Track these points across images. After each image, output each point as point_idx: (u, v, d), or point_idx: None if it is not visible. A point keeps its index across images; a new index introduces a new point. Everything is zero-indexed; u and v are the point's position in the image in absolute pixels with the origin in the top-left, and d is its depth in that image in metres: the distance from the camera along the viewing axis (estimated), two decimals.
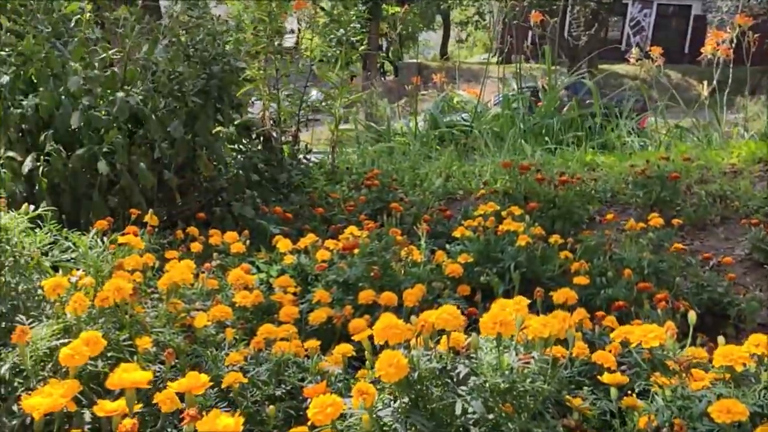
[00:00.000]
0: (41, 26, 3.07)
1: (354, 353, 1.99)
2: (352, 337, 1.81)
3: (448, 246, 3.19)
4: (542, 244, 3.03)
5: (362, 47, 5.27)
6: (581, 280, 2.65)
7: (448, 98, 7.74)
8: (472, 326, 2.18)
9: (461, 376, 1.59)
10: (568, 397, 1.78)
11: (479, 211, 3.35)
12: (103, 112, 3.16)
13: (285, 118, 4.53)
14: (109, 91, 3.22)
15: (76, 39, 3.15)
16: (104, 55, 3.18)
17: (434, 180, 4.64)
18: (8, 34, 3.03)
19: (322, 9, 6.20)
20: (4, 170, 3.00)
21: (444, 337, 1.74)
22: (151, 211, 2.96)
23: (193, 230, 3.20)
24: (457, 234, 3.16)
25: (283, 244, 3.07)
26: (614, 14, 22.71)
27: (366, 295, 2.41)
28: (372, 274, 2.57)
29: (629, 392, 1.84)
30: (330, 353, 2.10)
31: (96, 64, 3.19)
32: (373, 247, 2.73)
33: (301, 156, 4.44)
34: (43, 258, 2.20)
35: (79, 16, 3.19)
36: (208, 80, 3.52)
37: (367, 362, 1.84)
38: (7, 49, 3.00)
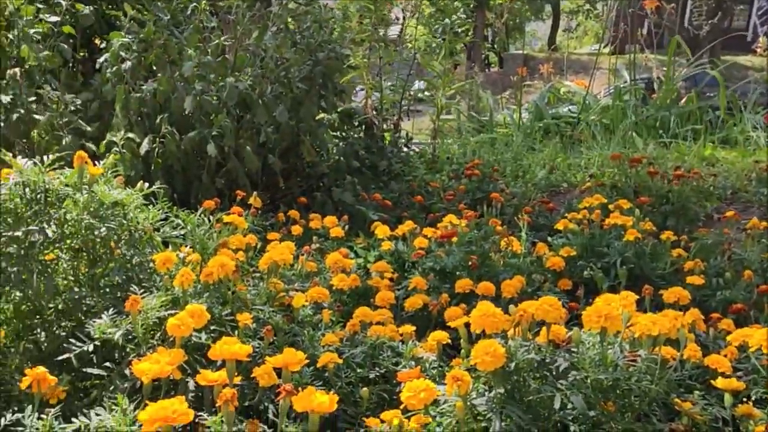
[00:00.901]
0: (161, 14, 3.22)
1: (449, 341, 1.96)
2: (449, 324, 1.77)
3: (549, 239, 3.08)
4: (653, 240, 2.86)
5: (467, 37, 5.19)
6: (695, 279, 2.48)
7: (555, 89, 7.50)
8: (572, 321, 2.10)
9: (561, 369, 1.53)
10: (676, 399, 1.67)
11: (584, 204, 3.21)
12: (214, 97, 3.28)
13: (387, 106, 4.54)
14: (220, 76, 3.34)
15: (191, 26, 3.29)
16: (217, 41, 3.30)
17: (537, 172, 4.51)
18: (132, 21, 3.20)
19: None
20: (124, 150, 3.18)
21: (543, 328, 1.68)
22: (255, 193, 3.04)
23: (294, 213, 3.27)
24: (559, 226, 3.04)
25: (381, 230, 3.08)
26: (740, 3, 21.22)
27: (463, 284, 2.36)
28: (470, 263, 2.52)
29: (745, 400, 1.71)
30: (425, 340, 2.08)
31: (209, 51, 3.32)
32: (472, 236, 2.68)
33: (401, 144, 4.44)
34: (155, 233, 2.31)
35: (195, 4, 3.32)
36: (313, 67, 3.58)
37: (462, 350, 1.80)
38: (130, 36, 3.17)
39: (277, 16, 3.34)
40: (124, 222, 2.18)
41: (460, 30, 5.15)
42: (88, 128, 3.26)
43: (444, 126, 6.05)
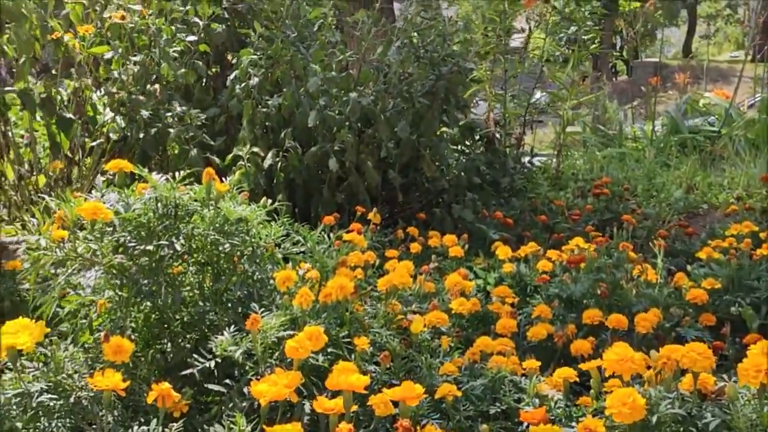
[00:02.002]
0: (288, 31, 3.28)
1: (576, 378, 1.82)
2: (580, 366, 1.64)
3: (689, 267, 2.83)
4: None
5: (594, 46, 4.95)
6: None
7: (692, 100, 6.98)
8: (718, 362, 1.89)
9: (711, 427, 1.36)
10: None
11: (731, 231, 2.92)
12: (337, 112, 3.30)
13: (510, 119, 4.40)
14: (342, 91, 3.36)
15: (317, 43, 3.34)
16: (341, 57, 3.33)
17: (672, 191, 4.19)
18: (260, 39, 3.29)
19: (554, 8, 5.98)
20: (249, 164, 3.26)
21: (688, 376, 1.51)
22: (375, 209, 3.02)
23: (413, 231, 3.22)
24: (702, 255, 2.78)
25: (502, 250, 2.96)
26: None
27: (591, 315, 2.20)
28: (599, 291, 2.35)
29: None
30: (548, 373, 1.95)
31: (333, 66, 3.35)
32: (601, 262, 2.50)
33: (525, 160, 4.28)
34: (276, 249, 2.33)
35: (321, 21, 3.37)
36: (436, 81, 3.52)
37: (592, 391, 1.67)
38: (258, 53, 3.26)
39: (401, 31, 3.31)
40: (247, 238, 2.22)
41: (586, 38, 4.92)
42: (213, 143, 3.38)
43: (568, 138, 5.80)
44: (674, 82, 8.62)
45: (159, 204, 2.16)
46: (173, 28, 3.32)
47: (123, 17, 3.05)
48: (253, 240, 2.24)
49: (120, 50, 3.26)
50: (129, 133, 3.49)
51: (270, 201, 2.41)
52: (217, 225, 2.16)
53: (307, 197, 3.48)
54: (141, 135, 3.33)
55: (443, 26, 3.58)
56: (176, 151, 3.23)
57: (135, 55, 3.29)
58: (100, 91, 3.67)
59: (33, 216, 3.54)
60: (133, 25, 3.19)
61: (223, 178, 2.33)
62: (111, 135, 3.55)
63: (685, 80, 7.98)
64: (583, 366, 1.58)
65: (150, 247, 2.04)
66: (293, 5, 3.31)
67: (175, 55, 3.30)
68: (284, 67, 3.36)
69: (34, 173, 3.70)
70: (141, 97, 3.30)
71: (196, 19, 3.38)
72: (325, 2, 3.43)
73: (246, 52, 3.35)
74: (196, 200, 2.21)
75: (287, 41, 3.29)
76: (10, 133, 3.63)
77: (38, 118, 3.45)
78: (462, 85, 3.64)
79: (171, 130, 3.24)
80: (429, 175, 3.67)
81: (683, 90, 7.83)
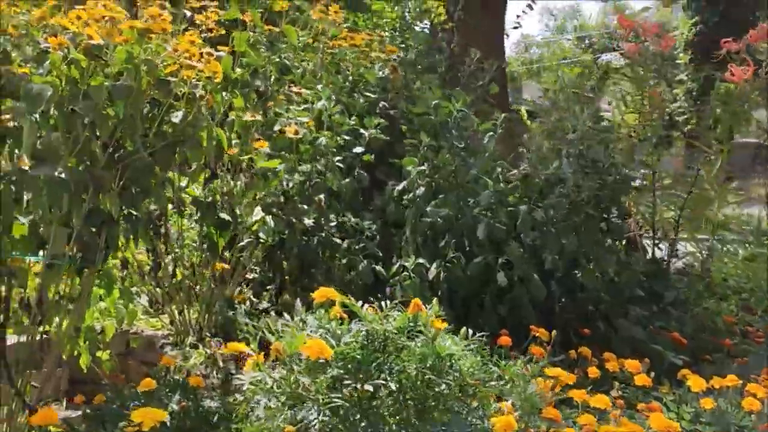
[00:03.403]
0: (455, 141, 3.27)
1: None
2: None
3: None
4: None
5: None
6: None
7: None
8: None
9: None
10: None
11: None
12: (503, 224, 3.22)
13: (661, 223, 4.22)
14: (509, 200, 3.29)
15: (487, 154, 3.30)
16: (514, 172, 3.28)
17: None
18: (426, 149, 3.28)
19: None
20: (413, 275, 3.20)
21: None
22: (554, 332, 2.89)
23: (585, 351, 3.05)
24: None
25: (695, 382, 2.72)
26: None
27: None
28: None
29: None
30: None
31: (500, 177, 3.29)
32: None
33: (690, 271, 4.06)
34: (478, 383, 2.22)
35: (492, 133, 3.34)
36: (600, 190, 3.41)
37: None
38: (426, 164, 3.25)
39: (572, 145, 3.25)
40: (458, 375, 2.12)
41: (680, 119, 4.76)
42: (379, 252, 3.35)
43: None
44: None
45: (369, 338, 2.11)
46: (339, 139, 3.36)
47: (296, 132, 3.10)
48: (459, 376, 2.14)
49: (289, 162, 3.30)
50: (284, 236, 3.49)
51: (471, 332, 2.32)
52: (430, 362, 2.07)
53: (465, 307, 3.37)
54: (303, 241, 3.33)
55: (606, 133, 3.49)
56: (344, 261, 3.20)
57: (300, 164, 3.33)
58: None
59: (180, 312, 3.56)
60: (301, 137, 3.23)
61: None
62: (261, 234, 3.56)
63: None
64: None
65: (369, 387, 1.96)
66: (460, 115, 3.29)
67: (340, 165, 3.33)
68: (447, 174, 3.33)
69: (189, 268, 3.74)
70: (304, 206, 3.31)
71: (362, 131, 3.41)
72: (496, 115, 3.41)
73: (410, 161, 3.34)
74: (397, 331, 2.14)
75: (453, 151, 3.27)
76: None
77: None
78: (625, 193, 3.51)
79: (336, 240, 3.23)
80: (589, 287, 3.51)
81: None
